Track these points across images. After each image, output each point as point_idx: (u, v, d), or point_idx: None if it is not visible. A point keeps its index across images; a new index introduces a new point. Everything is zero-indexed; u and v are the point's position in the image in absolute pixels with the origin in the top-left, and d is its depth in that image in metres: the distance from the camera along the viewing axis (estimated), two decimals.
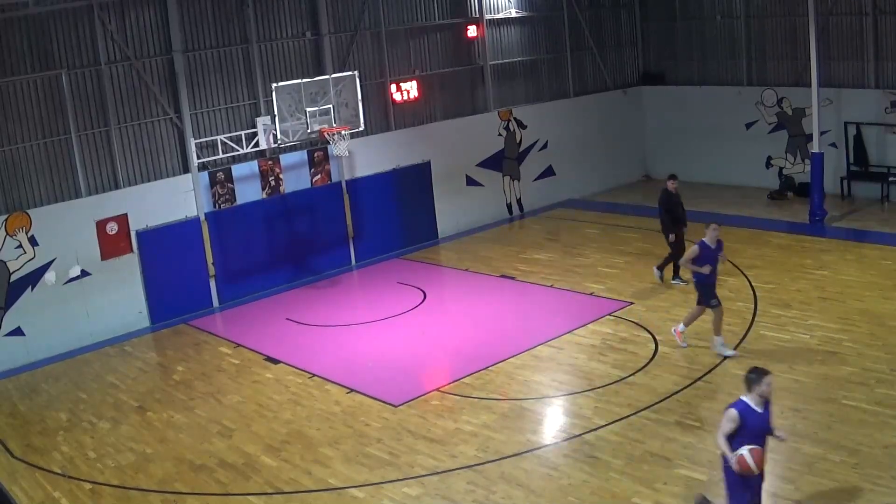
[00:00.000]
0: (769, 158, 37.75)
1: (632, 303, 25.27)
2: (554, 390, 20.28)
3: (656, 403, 19.02)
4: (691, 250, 21.14)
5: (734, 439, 12.83)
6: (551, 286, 27.34)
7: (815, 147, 32.48)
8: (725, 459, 12.91)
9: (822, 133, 32.59)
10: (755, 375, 12.97)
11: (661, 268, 26.58)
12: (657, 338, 22.64)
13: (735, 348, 21.34)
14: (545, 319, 24.71)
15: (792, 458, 16.68)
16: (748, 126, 38.05)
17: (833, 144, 35.06)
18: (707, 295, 21.20)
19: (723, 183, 37.74)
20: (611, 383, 20.18)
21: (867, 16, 34.66)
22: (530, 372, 21.24)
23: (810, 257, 27.94)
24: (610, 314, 24.53)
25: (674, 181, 26.50)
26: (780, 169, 37.43)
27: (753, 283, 25.86)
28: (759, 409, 12.96)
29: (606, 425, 18.18)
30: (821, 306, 24.09)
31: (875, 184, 35.10)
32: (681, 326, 21.80)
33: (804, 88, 32.44)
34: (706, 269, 20.85)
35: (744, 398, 13.00)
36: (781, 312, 23.78)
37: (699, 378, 20.14)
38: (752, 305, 24.53)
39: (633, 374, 20.63)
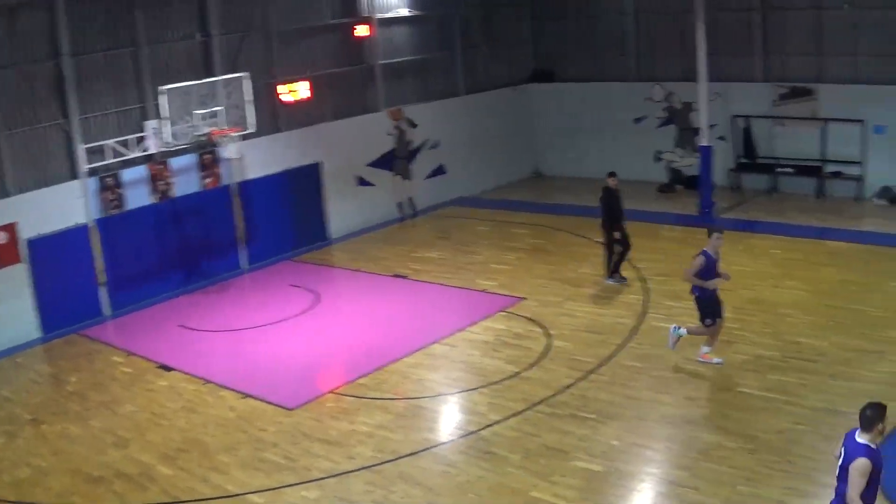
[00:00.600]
0: (658, 152, 38.21)
1: (524, 298, 25.44)
2: (449, 388, 20.38)
3: (551, 397, 19.18)
4: (696, 262, 19.79)
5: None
6: (444, 284, 27.44)
7: (703, 140, 32.93)
8: None
9: (710, 126, 33.11)
10: (875, 412, 11.25)
11: (614, 273, 26.34)
12: (550, 332, 22.82)
13: (626, 341, 21.67)
14: (438, 317, 24.78)
15: (688, 445, 16.98)
16: (637, 121, 38.47)
17: (722, 137, 35.68)
18: (706, 311, 20.10)
19: None
20: (505, 379, 20.30)
21: (755, 11, 35.27)
22: (425, 370, 21.31)
23: (700, 248, 28.25)
24: (502, 310, 24.68)
25: (614, 178, 26.30)
26: (669, 162, 37.89)
27: (645, 276, 26.17)
28: (876, 448, 11.19)
29: (502, 421, 18.29)
30: None
31: (763, 175, 35.78)
32: (705, 349, 20.52)
33: (693, 83, 32.85)
34: (712, 284, 19.90)
35: (862, 440, 11.23)
36: (673, 304, 24.06)
37: (592, 371, 20.37)
38: (645, 298, 24.83)
39: (526, 368, 20.77)
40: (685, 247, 28.17)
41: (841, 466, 11.32)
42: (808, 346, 20.71)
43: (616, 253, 26.16)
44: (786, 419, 17.65)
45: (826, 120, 34.32)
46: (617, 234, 25.94)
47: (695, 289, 20.03)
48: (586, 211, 33.34)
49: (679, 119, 37.65)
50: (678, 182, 37.51)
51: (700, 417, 18.06)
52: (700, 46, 31.69)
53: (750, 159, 36.38)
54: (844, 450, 11.35)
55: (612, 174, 26.39)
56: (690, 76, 32.97)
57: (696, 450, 16.73)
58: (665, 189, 37.04)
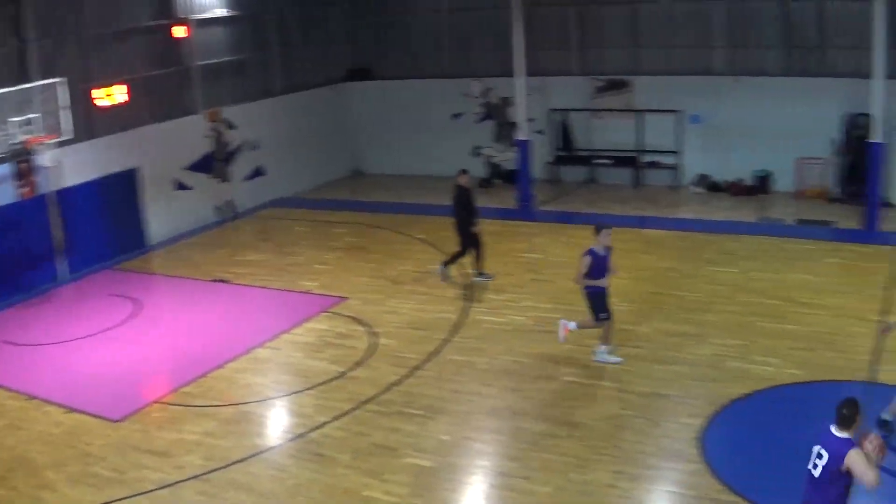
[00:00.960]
0: (477, 148, 38.52)
1: (346, 298, 25.39)
2: (275, 391, 20.16)
3: (378, 395, 19.21)
4: (584, 262, 19.35)
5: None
6: (265, 287, 27.18)
7: (521, 134, 33.28)
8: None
9: (528, 121, 33.45)
10: (851, 410, 11.14)
11: (480, 272, 26.11)
12: (374, 330, 22.85)
13: (451, 335, 21.95)
14: (262, 321, 24.53)
15: (517, 436, 17.22)
16: (456, 117, 38.76)
17: (540, 131, 36.18)
18: (597, 307, 19.74)
19: (432, 174, 38.43)
20: (331, 379, 20.24)
21: (571, 5, 35.86)
22: (250, 375, 21.06)
23: (521, 241, 28.65)
24: (325, 310, 24.58)
25: (466, 175, 26.05)
26: (488, 157, 38.23)
27: (468, 270, 26.32)
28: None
29: (330, 421, 18.23)
30: (534, 288, 24.85)
31: (582, 167, 36.42)
32: (572, 325, 20.34)
33: (510, 78, 33.17)
34: (604, 283, 19.46)
35: (843, 435, 11.10)
36: (496, 297, 24.48)
37: (418, 367, 20.49)
38: (468, 292, 25.02)
39: (352, 368, 20.75)
40: (505, 240, 28.53)
41: (825, 468, 11.06)
42: (633, 333, 21.14)
43: (469, 251, 25.93)
44: (612, 405, 18.14)
45: (642, 111, 35.12)
46: (468, 233, 25.70)
47: (587, 286, 19.74)
48: (406, 208, 33.72)
49: (497, 114, 38.08)
50: (497, 176, 37.91)
51: (527, 408, 18.28)
52: (517, 41, 32.02)
53: (568, 152, 37.05)
54: (827, 452, 11.10)
55: (463, 171, 26.24)
56: (508, 71, 33.28)
57: (525, 440, 16.98)
58: (484, 184, 37.29)
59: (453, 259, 26.14)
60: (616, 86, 35.96)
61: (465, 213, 25.62)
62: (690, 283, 24.53)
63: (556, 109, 36.94)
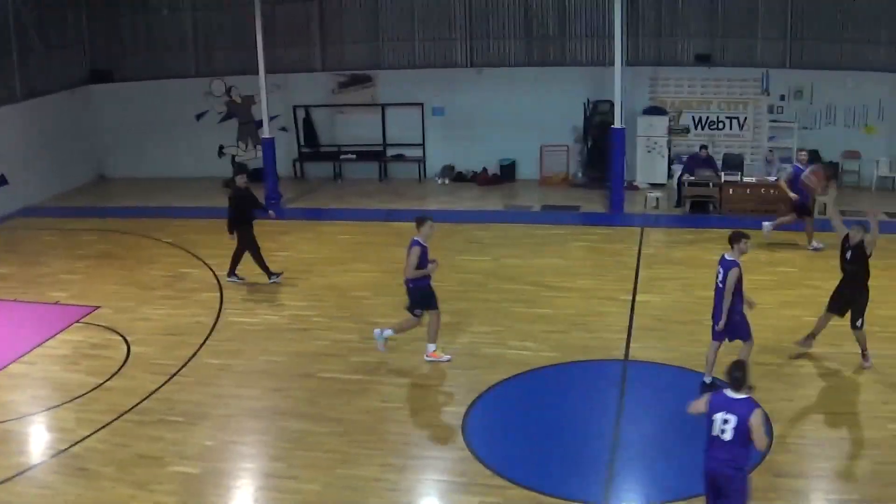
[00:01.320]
0: (221, 147, 38.44)
1: (99, 307, 24.84)
2: (33, 407, 19.49)
3: (137, 404, 18.91)
4: (414, 254, 19.22)
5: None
6: (15, 300, 26.28)
7: (265, 132, 33.31)
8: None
9: (271, 118, 33.49)
10: (742, 372, 12.08)
11: (234, 271, 25.70)
12: (128, 339, 22.48)
13: (206, 339, 22.01)
14: (14, 335, 23.63)
15: (280, 436, 17.32)
16: (199, 117, 38.54)
17: (283, 128, 36.23)
18: (418, 302, 19.84)
19: (179, 175, 38.17)
20: (89, 391, 19.78)
21: (312, 2, 36.04)
22: (7, 392, 20.34)
23: (271, 240, 28.48)
24: (78, 321, 23.97)
25: (243, 176, 25.69)
26: (233, 157, 38.14)
27: (217, 273, 26.30)
28: None
29: (91, 434, 17.85)
30: (286, 286, 24.86)
31: (327, 163, 36.69)
32: (431, 347, 20.18)
33: (253, 76, 33.17)
34: (431, 269, 19.49)
35: (742, 396, 12.04)
36: (249, 297, 24.51)
37: (176, 373, 20.30)
38: (220, 294, 24.91)
39: (109, 378, 20.35)
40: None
41: (736, 429, 11.81)
42: (387, 326, 21.26)
43: (238, 252, 25.54)
44: (373, 398, 18.45)
45: (386, 105, 35.56)
46: (236, 235, 25.30)
47: (413, 281, 19.68)
48: (153, 212, 33.28)
49: (240, 112, 37.98)
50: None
51: (288, 407, 18.39)
52: (258, 39, 32.03)
53: (313, 148, 37.25)
54: (735, 415, 11.86)
55: (241, 171, 26.14)
56: (250, 69, 33.28)
57: (289, 439, 17.08)
58: (230, 184, 37.10)
59: (259, 263, 25.60)
60: (359, 81, 36.34)
61: (242, 214, 25.30)
62: (442, 274, 24.71)
63: (299, 106, 37.08)
